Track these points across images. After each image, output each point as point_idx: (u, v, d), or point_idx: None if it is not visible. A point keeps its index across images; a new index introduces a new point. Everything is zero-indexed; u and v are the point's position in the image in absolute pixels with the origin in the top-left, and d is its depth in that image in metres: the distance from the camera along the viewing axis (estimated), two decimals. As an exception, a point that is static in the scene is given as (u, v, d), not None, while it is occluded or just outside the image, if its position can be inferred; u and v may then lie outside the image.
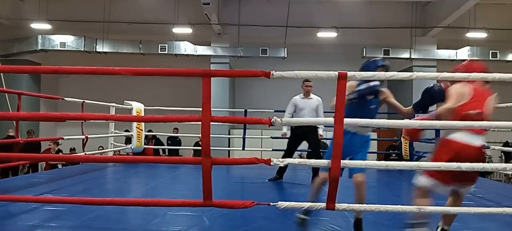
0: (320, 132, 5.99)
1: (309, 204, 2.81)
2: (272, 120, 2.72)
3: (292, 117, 5.58)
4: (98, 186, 5.47)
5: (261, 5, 12.14)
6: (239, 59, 12.33)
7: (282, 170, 5.95)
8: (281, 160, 2.77)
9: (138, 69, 2.97)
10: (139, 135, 8.18)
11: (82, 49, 11.75)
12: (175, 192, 5.01)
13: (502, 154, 11.71)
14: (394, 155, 10.56)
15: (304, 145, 9.80)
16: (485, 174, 9.76)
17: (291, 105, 5.70)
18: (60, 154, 9.69)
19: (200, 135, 2.76)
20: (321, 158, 5.72)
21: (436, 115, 2.88)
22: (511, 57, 11.75)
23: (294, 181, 6.29)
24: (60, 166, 9.08)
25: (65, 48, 11.76)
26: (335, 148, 2.65)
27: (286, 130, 5.84)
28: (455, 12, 10.43)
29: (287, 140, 6.21)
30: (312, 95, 5.65)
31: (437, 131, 8.32)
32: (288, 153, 5.86)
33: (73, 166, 7.64)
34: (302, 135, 5.70)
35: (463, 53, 11.77)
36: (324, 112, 5.71)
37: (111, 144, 8.26)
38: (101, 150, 9.70)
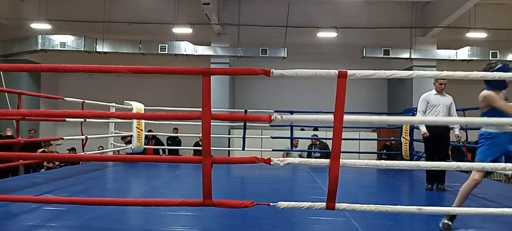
0: (457, 131, 5.50)
1: (309, 204, 2.80)
2: (272, 117, 2.71)
3: (424, 114, 5.29)
4: (98, 186, 5.47)
5: (261, 5, 12.14)
6: (239, 59, 12.33)
7: (430, 177, 5.42)
8: (281, 159, 2.76)
9: (137, 67, 2.95)
10: (139, 135, 8.18)
11: (82, 49, 11.75)
12: (175, 192, 5.01)
13: (502, 154, 11.70)
14: (384, 156, 10.59)
15: (303, 145, 9.87)
16: (485, 174, 9.73)
17: (423, 101, 5.34)
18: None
19: (200, 135, 2.76)
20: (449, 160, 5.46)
21: None
22: (511, 57, 11.74)
23: (295, 181, 6.29)
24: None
25: (65, 48, 11.76)
26: (335, 148, 2.65)
27: (425, 128, 5.28)
28: (455, 12, 10.43)
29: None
30: (445, 93, 5.38)
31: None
32: (431, 156, 5.42)
33: (73, 166, 7.63)
34: (435, 134, 5.31)
35: (463, 53, 11.77)
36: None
37: (111, 144, 8.26)
38: (101, 150, 9.70)
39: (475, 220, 3.53)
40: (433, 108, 5.26)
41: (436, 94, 5.33)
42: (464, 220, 3.53)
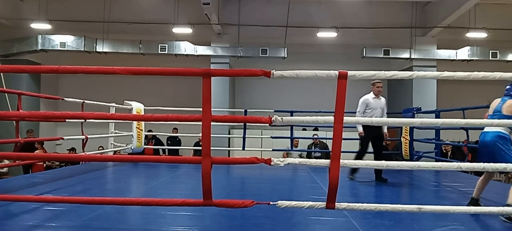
0: (385, 130, 6.08)
1: (309, 203, 2.80)
2: (272, 118, 2.72)
3: (363, 116, 5.76)
4: (98, 186, 5.47)
5: (261, 5, 12.13)
6: (239, 59, 12.33)
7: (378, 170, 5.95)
8: (281, 159, 2.77)
9: (137, 68, 2.95)
10: (139, 135, 8.18)
11: (82, 49, 11.74)
12: (175, 192, 5.01)
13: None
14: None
15: (303, 145, 9.87)
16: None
17: (363, 104, 5.84)
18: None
19: (200, 135, 2.77)
20: (383, 156, 5.93)
21: None
22: (511, 57, 11.74)
23: (295, 181, 6.29)
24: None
25: (65, 48, 11.74)
26: (334, 149, 2.65)
27: (361, 129, 5.85)
28: (455, 12, 10.42)
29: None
30: (380, 96, 5.85)
31: (437, 131, 8.35)
32: (362, 152, 5.97)
33: (73, 166, 7.63)
34: (373, 134, 5.82)
35: (463, 53, 11.77)
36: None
37: (111, 144, 8.26)
38: (101, 150, 9.69)
39: (475, 219, 3.53)
40: (372, 111, 5.74)
41: (374, 97, 5.81)
42: (464, 220, 3.53)
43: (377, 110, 5.79)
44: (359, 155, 5.99)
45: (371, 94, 5.86)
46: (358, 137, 5.97)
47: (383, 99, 5.97)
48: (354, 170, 5.96)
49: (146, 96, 10.73)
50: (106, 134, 8.21)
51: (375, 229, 3.30)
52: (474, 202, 3.97)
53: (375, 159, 5.86)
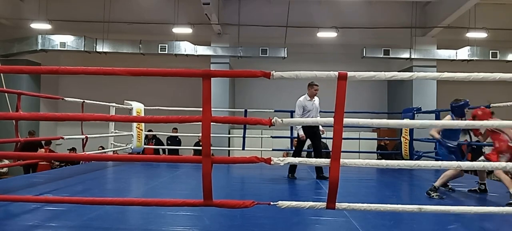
0: (321, 128, 6.35)
1: (309, 203, 2.80)
2: (272, 120, 2.72)
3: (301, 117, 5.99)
4: (98, 186, 5.47)
5: (261, 5, 12.14)
6: (239, 59, 12.34)
7: (293, 168, 6.20)
8: (281, 159, 2.77)
9: (137, 69, 2.96)
10: (139, 134, 8.18)
11: (82, 49, 11.75)
12: (175, 192, 5.01)
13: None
14: (379, 156, 10.59)
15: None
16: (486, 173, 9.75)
17: (300, 107, 6.01)
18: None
19: (200, 135, 2.77)
20: (321, 154, 6.20)
21: None
22: (511, 57, 11.74)
23: (295, 181, 6.28)
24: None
25: (65, 48, 11.75)
26: (334, 150, 2.65)
27: (302, 132, 6.01)
28: (455, 12, 10.43)
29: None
30: (314, 97, 6.03)
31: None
32: (297, 152, 6.21)
33: (73, 166, 7.62)
34: (311, 133, 6.05)
35: (463, 53, 11.77)
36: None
37: (111, 144, 8.26)
38: (101, 150, 9.69)
39: (475, 220, 3.54)
40: (309, 112, 5.97)
41: (309, 100, 5.99)
42: (464, 220, 3.53)
43: (313, 111, 6.00)
44: (297, 154, 6.21)
45: (306, 97, 6.00)
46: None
47: (317, 99, 6.10)
48: (293, 168, 6.15)
49: (146, 96, 10.74)
50: (106, 133, 8.21)
51: (375, 229, 3.30)
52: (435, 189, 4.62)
53: (315, 157, 6.07)
